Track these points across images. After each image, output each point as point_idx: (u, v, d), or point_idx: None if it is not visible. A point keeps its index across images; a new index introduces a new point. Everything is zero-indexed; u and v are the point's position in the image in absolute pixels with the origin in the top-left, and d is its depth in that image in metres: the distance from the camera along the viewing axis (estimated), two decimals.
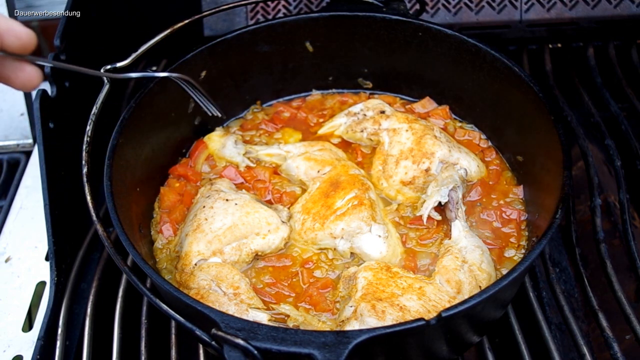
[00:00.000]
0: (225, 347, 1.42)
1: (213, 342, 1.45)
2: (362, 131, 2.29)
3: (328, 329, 1.80)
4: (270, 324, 1.75)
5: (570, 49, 2.93)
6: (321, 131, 2.37)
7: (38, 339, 2.03)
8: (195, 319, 1.51)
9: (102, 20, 2.73)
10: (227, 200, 2.02)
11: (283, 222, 2.02)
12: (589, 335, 2.13)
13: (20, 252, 2.30)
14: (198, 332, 1.48)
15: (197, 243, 1.94)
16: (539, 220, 1.96)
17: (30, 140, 2.70)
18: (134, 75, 1.94)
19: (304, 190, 2.15)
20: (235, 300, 1.81)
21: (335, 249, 2.00)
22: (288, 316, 1.83)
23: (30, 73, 1.54)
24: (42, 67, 1.61)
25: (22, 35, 1.49)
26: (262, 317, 1.76)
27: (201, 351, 1.99)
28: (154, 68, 2.96)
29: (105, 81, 1.95)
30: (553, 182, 1.86)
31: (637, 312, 1.99)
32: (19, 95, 2.70)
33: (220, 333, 1.43)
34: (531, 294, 2.06)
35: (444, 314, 1.51)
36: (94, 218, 1.72)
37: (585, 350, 1.91)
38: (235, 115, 2.45)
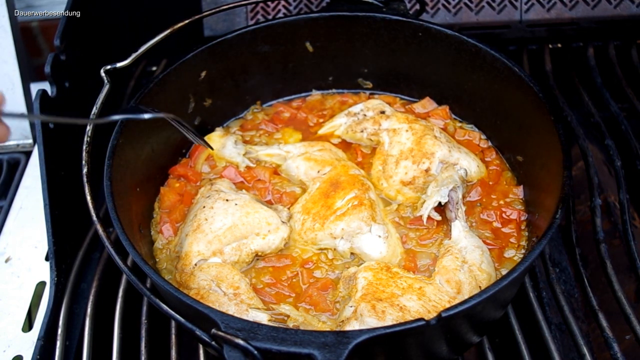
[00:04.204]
0: (225, 347, 1.42)
1: (213, 342, 1.45)
2: (362, 131, 2.29)
3: (328, 329, 1.80)
4: (270, 324, 1.75)
5: (570, 49, 2.93)
6: (321, 131, 2.37)
7: (38, 339, 2.03)
8: (195, 319, 1.51)
9: (102, 20, 2.73)
10: (227, 200, 2.02)
11: (283, 222, 2.02)
12: (589, 335, 2.13)
13: (20, 252, 2.30)
14: (198, 332, 1.48)
15: (197, 243, 1.94)
16: (539, 220, 1.96)
17: (30, 140, 2.70)
18: (117, 117, 1.81)
19: (304, 191, 2.15)
20: (235, 300, 1.81)
21: (335, 249, 2.00)
22: (288, 316, 1.83)
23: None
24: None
25: None
26: (262, 317, 1.76)
27: (201, 351, 1.99)
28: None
29: (106, 81, 1.94)
30: (553, 182, 1.86)
31: (637, 312, 1.99)
32: (19, 95, 2.70)
33: (220, 333, 1.43)
34: (531, 294, 2.06)
35: (444, 314, 1.51)
36: (94, 218, 1.72)
37: (585, 350, 1.91)
38: (235, 115, 2.44)
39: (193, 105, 2.29)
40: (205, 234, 1.95)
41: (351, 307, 1.77)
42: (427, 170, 2.12)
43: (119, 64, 1.98)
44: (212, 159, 2.27)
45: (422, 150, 2.14)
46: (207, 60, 2.26)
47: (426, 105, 2.41)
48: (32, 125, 2.68)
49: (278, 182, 2.20)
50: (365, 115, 2.32)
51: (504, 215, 2.07)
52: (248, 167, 2.23)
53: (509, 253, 2.00)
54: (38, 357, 1.99)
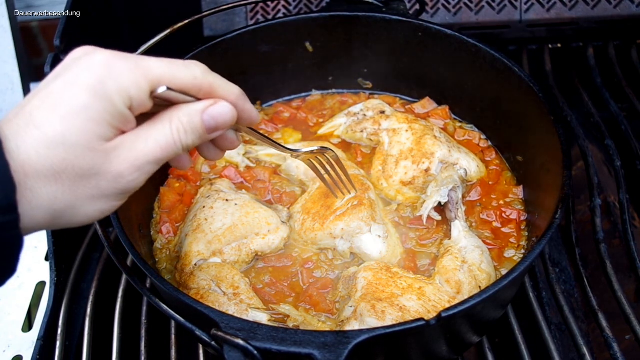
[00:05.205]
0: (225, 347, 1.42)
1: (213, 342, 1.45)
2: (362, 131, 2.29)
3: (328, 329, 1.80)
4: (270, 324, 1.75)
5: (570, 49, 2.93)
6: (321, 131, 2.37)
7: (38, 339, 2.03)
8: (195, 319, 1.51)
9: (102, 20, 2.73)
10: (227, 200, 2.02)
11: (283, 222, 2.02)
12: (589, 335, 2.13)
13: None
14: (198, 332, 1.48)
15: (197, 243, 1.94)
16: (539, 220, 1.96)
17: None
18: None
19: (303, 191, 2.15)
20: (235, 300, 1.81)
21: (335, 249, 2.00)
22: (288, 316, 1.83)
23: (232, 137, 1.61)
24: None
25: (254, 121, 1.61)
26: (262, 317, 1.76)
27: (201, 351, 1.99)
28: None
29: None
30: (553, 182, 1.86)
31: (637, 312, 1.99)
32: (19, 95, 2.70)
33: (220, 333, 1.43)
34: (531, 294, 2.06)
35: (443, 314, 1.51)
36: None
37: (585, 350, 1.91)
38: None
39: None
40: (205, 234, 1.95)
41: (351, 307, 1.77)
42: (427, 170, 2.12)
43: None
44: None
45: (422, 150, 2.14)
46: (207, 60, 2.23)
47: (426, 105, 2.41)
48: None
49: (278, 182, 2.20)
50: (365, 115, 2.32)
51: (503, 215, 2.07)
52: (248, 167, 2.23)
53: (509, 253, 2.00)
54: (38, 357, 1.99)
